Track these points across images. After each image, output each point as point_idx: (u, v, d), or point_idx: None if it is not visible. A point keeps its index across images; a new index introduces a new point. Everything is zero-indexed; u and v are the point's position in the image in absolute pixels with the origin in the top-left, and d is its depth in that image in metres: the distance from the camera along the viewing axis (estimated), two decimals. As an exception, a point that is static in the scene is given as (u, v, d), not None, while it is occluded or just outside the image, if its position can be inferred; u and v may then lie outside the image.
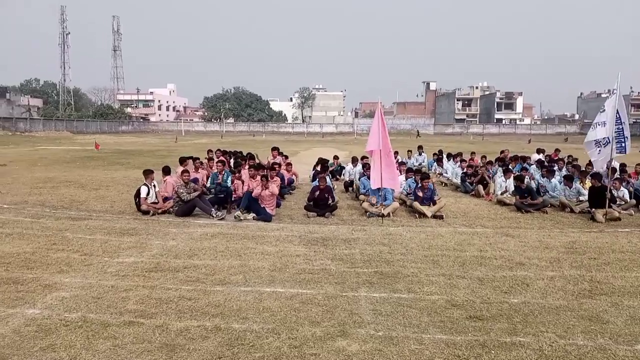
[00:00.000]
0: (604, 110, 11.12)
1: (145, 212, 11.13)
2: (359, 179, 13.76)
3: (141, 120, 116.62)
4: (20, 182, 16.68)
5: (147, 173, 11.65)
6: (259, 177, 11.49)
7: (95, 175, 19.13)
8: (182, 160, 14.22)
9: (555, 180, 13.29)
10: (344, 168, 17.78)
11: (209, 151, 18.53)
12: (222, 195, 11.93)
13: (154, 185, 11.58)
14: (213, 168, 14.56)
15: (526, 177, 13.30)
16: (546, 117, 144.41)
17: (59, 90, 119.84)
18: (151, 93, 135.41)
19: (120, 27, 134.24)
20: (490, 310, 5.72)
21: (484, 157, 18.21)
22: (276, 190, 11.06)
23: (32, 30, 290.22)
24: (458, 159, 18.21)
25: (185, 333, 5.06)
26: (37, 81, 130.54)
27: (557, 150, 19.90)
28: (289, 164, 16.07)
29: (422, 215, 11.05)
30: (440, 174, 17.97)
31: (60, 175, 19.00)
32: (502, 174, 13.83)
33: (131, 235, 9.25)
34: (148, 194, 11.31)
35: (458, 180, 15.95)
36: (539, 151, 20.09)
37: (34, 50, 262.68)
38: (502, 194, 13.22)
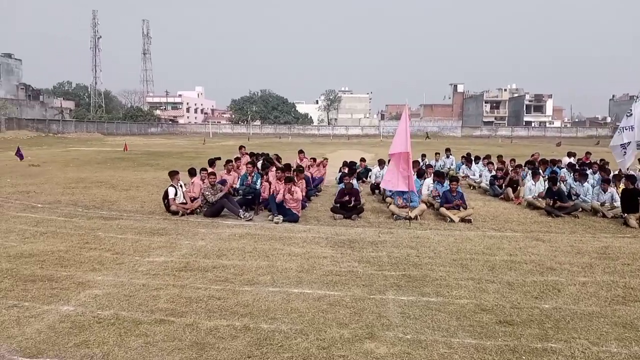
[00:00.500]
0: (631, 114, 10.88)
1: (175, 213, 11.29)
2: None
3: (170, 122, 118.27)
4: (53, 182, 17.09)
5: (173, 174, 11.83)
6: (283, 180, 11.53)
7: (126, 176, 19.49)
8: (212, 162, 14.36)
9: (588, 184, 13.03)
10: (370, 170, 17.73)
11: (241, 147, 18.69)
12: (250, 197, 12.03)
13: (181, 186, 11.74)
14: (241, 168, 14.71)
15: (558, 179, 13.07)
16: (577, 120, 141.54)
17: (91, 93, 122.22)
18: (180, 96, 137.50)
19: (150, 30, 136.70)
20: (520, 315, 5.64)
21: (512, 160, 17.93)
22: (300, 197, 11.05)
23: (65, 34, 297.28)
24: (485, 160, 17.99)
25: (215, 332, 5.11)
26: (70, 84, 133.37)
27: (588, 154, 19.49)
28: (321, 163, 16.19)
29: (450, 219, 10.95)
30: (467, 176, 17.71)
31: (92, 176, 19.41)
32: (531, 177, 13.63)
33: (161, 235, 9.40)
34: (176, 194, 11.48)
35: (485, 182, 15.73)
36: (569, 154, 19.71)
37: (66, 54, 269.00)
38: (533, 197, 13.01)
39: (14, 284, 6.51)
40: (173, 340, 4.92)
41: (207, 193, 11.16)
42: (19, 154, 25.76)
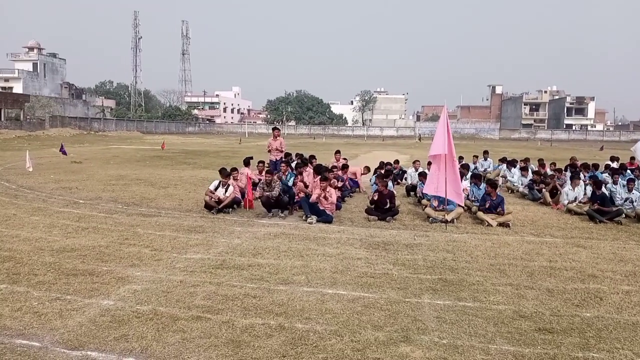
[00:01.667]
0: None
1: (208, 207, 11.44)
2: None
3: (207, 121, 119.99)
4: (94, 179, 17.55)
5: (224, 173, 11.88)
6: (318, 180, 11.51)
7: (164, 174, 19.85)
8: (247, 162, 14.48)
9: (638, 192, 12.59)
10: (405, 172, 17.56)
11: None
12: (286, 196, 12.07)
13: (228, 186, 11.75)
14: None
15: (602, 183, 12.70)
16: (620, 123, 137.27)
17: (131, 92, 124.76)
18: (217, 95, 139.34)
19: (189, 31, 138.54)
20: (560, 323, 5.49)
21: (553, 164, 17.52)
22: (334, 199, 11.02)
23: (107, 34, 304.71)
24: (522, 163, 17.56)
25: (250, 330, 5.14)
26: (111, 83, 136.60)
27: (632, 158, 18.86)
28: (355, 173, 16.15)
29: (487, 224, 10.74)
30: (506, 178, 17.27)
31: (132, 174, 19.85)
32: (570, 182, 13.29)
33: (198, 232, 9.53)
34: (217, 188, 11.63)
35: (521, 186, 15.36)
36: (612, 159, 19.13)
37: (109, 53, 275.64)
38: (570, 202, 12.69)
39: (57, 277, 6.71)
40: (209, 337, 4.97)
41: (264, 190, 11.32)
42: (62, 151, 26.57)
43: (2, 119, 65.27)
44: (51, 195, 13.64)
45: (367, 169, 17.38)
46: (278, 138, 16.64)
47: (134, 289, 6.33)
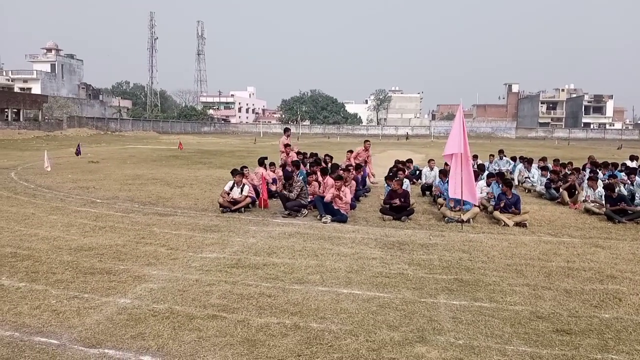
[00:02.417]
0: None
1: (223, 208, 11.48)
2: (437, 183, 13.44)
3: (222, 121, 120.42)
4: (111, 179, 17.72)
5: (236, 174, 11.91)
6: (330, 182, 11.46)
7: (180, 174, 19.98)
8: (261, 161, 14.52)
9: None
10: (419, 171, 17.41)
11: (287, 146, 18.70)
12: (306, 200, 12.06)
13: (242, 186, 11.76)
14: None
15: (616, 184, 12.47)
16: (639, 122, 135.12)
17: (147, 92, 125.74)
18: (232, 95, 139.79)
19: (204, 31, 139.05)
20: (578, 324, 5.42)
21: (570, 163, 17.28)
22: (349, 200, 10.96)
23: (124, 35, 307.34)
24: (541, 163, 17.34)
25: (266, 329, 5.15)
26: (127, 84, 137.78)
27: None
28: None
29: (504, 223, 10.63)
30: (528, 178, 16.90)
31: (148, 173, 20.01)
32: (587, 182, 13.11)
33: (214, 232, 9.58)
34: (232, 188, 11.67)
35: (540, 186, 15.19)
36: (632, 158, 18.83)
37: (125, 54, 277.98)
38: (587, 201, 12.52)
39: (74, 276, 6.78)
40: (225, 336, 4.98)
41: (285, 191, 11.34)
42: (77, 151, 26.87)
43: (21, 119, 66.24)
44: (69, 195, 13.81)
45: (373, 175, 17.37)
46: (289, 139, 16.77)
47: (150, 287, 6.38)
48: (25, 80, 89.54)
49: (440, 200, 12.35)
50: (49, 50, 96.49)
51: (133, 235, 9.15)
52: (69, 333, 5.02)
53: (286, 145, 16.63)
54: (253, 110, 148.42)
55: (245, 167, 13.01)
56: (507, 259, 8.02)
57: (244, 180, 11.93)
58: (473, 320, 5.47)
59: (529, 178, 16.71)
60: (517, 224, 10.56)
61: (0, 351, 4.62)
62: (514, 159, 20.50)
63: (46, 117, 70.88)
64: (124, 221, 10.43)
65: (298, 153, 17.58)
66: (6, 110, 63.81)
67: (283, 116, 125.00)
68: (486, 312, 5.71)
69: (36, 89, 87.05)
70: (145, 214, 11.30)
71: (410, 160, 18.78)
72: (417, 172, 17.79)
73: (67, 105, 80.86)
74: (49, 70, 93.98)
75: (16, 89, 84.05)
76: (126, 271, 7.03)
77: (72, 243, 8.53)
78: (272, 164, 14.82)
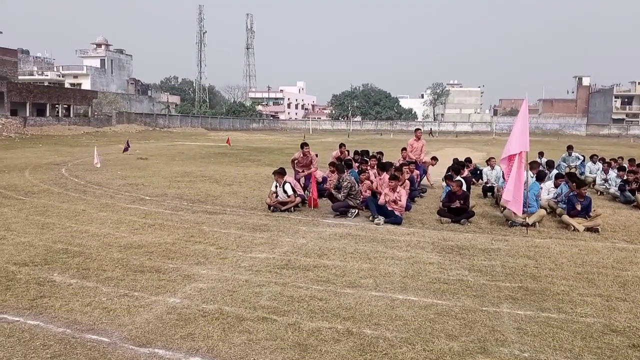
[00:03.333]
0: None
1: (269, 206, 11.40)
2: (501, 184, 12.75)
3: (271, 118, 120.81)
4: (160, 176, 17.94)
5: (277, 174, 11.77)
6: (386, 179, 11.11)
7: (229, 171, 20.08)
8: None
9: None
10: (479, 170, 16.61)
11: (342, 145, 18.24)
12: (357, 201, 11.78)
13: (284, 184, 11.60)
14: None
15: None
16: None
17: (195, 88, 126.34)
18: (281, 91, 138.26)
19: (253, 25, 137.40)
20: (658, 340, 4.95)
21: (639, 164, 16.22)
22: (404, 203, 10.54)
23: (172, 29, 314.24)
24: (614, 163, 16.21)
25: (317, 334, 4.98)
26: (176, 79, 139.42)
27: None
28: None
29: (573, 228, 10.01)
30: (606, 181, 15.54)
31: (196, 170, 20.20)
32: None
33: (263, 231, 9.45)
34: (277, 189, 11.56)
35: (614, 188, 14.27)
36: None
37: (174, 49, 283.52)
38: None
39: (124, 274, 6.78)
40: (275, 339, 4.85)
41: (335, 192, 11.16)
42: (126, 148, 27.48)
43: (71, 115, 67.56)
44: (118, 192, 14.03)
45: (435, 159, 16.83)
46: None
47: (199, 287, 6.29)
48: (75, 76, 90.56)
49: (503, 201, 11.72)
50: (99, 45, 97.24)
51: (182, 234, 9.13)
52: (119, 331, 4.99)
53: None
54: (302, 106, 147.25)
55: (306, 144, 12.85)
56: (577, 266, 7.52)
57: (288, 179, 11.75)
58: (539, 332, 5.14)
59: (607, 182, 15.25)
60: (589, 229, 9.90)
61: (54, 347, 4.64)
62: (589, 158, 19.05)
63: (95, 113, 72.04)
64: (173, 219, 10.46)
65: (355, 153, 17.16)
66: (57, 105, 65.15)
67: (333, 112, 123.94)
68: (554, 324, 5.35)
69: (86, 84, 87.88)
70: (194, 212, 11.31)
71: (469, 160, 17.92)
72: (478, 171, 16.99)
73: (116, 101, 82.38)
74: (99, 66, 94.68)
75: (66, 85, 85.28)
76: (175, 270, 6.97)
77: (121, 240, 8.57)
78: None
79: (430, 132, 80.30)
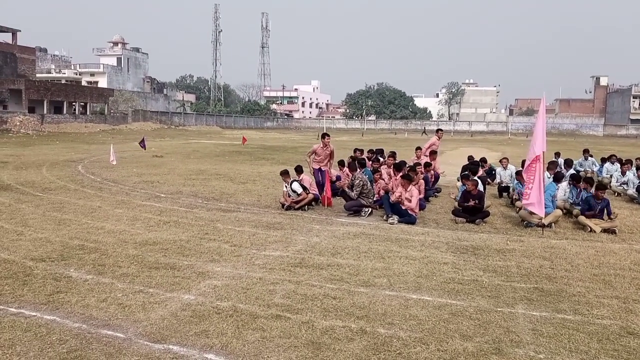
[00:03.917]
0: None
1: (283, 205, 11.42)
2: (515, 185, 12.60)
3: (285, 116, 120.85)
4: (175, 174, 18.04)
5: (283, 174, 11.82)
6: (399, 178, 11.05)
7: (243, 170, 20.14)
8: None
9: None
10: (494, 170, 16.44)
11: (357, 150, 18.17)
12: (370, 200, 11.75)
13: (292, 182, 11.59)
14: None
15: None
16: None
17: (211, 86, 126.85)
18: (295, 90, 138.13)
19: (269, 23, 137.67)
20: (677, 343, 4.87)
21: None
22: (415, 202, 10.42)
23: (188, 28, 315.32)
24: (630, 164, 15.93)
25: (331, 332, 4.98)
26: (191, 77, 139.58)
27: None
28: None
29: (590, 229, 9.85)
30: (625, 183, 15.37)
31: (211, 168, 20.28)
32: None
33: (277, 229, 9.47)
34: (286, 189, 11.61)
35: (632, 189, 14.01)
36: None
37: (189, 47, 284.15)
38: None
39: (139, 270, 6.83)
40: (289, 337, 4.85)
41: (348, 190, 11.12)
42: (142, 144, 27.61)
43: (88, 112, 68.25)
44: (134, 189, 14.14)
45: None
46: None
47: (214, 284, 6.32)
48: (92, 74, 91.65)
49: (518, 202, 11.59)
50: (115, 44, 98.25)
51: (197, 231, 9.18)
52: (134, 327, 5.03)
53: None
54: (317, 104, 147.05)
55: (327, 135, 12.94)
56: (594, 268, 7.42)
57: (303, 176, 11.77)
58: (555, 334, 5.08)
59: (625, 183, 14.79)
60: (605, 231, 9.75)
61: (70, 342, 4.68)
62: (603, 160, 18.70)
63: (112, 111, 72.71)
64: (187, 216, 10.51)
65: (369, 152, 17.06)
66: (74, 103, 65.90)
67: (347, 111, 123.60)
68: (570, 325, 5.29)
69: (102, 82, 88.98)
70: (209, 209, 11.36)
71: (484, 160, 17.75)
72: (492, 172, 16.80)
73: (132, 99, 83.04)
74: (115, 64, 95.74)
75: (83, 83, 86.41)
76: (190, 267, 7.01)
77: (137, 237, 8.64)
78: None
79: (424, 132, 79.37)
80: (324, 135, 13.38)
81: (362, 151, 16.35)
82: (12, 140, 37.17)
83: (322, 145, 13.09)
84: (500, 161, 15.87)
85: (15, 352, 4.50)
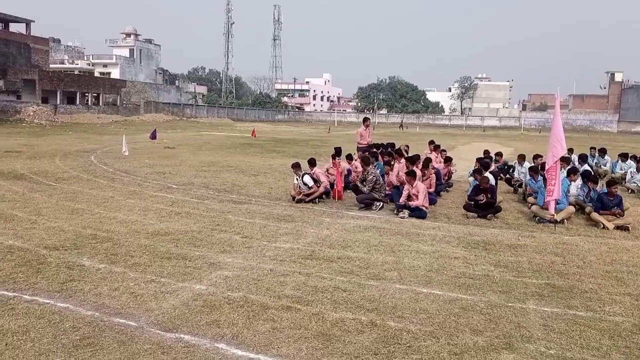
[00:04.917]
0: None
1: (293, 199, 11.42)
2: (528, 181, 12.49)
3: (296, 109, 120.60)
4: (187, 165, 18.12)
5: (294, 167, 11.79)
6: (419, 172, 11.00)
7: (254, 162, 20.17)
8: (339, 152, 14.13)
9: None
10: (510, 166, 16.26)
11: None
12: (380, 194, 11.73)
13: (304, 175, 11.58)
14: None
15: None
16: None
17: (222, 79, 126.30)
18: (307, 83, 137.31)
19: (281, 16, 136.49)
20: (691, 341, 4.83)
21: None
22: (421, 199, 10.27)
23: (200, 20, 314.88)
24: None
25: (341, 324, 4.99)
26: (203, 69, 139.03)
27: None
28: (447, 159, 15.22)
29: (603, 226, 9.75)
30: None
31: (222, 160, 20.34)
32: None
33: (287, 221, 9.49)
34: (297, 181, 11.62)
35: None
36: None
37: (201, 39, 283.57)
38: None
39: (151, 260, 6.88)
40: (299, 329, 4.87)
41: (360, 186, 11.12)
42: (152, 136, 27.70)
43: (101, 103, 68.41)
44: (146, 180, 14.22)
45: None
46: (368, 128, 16.24)
47: (225, 275, 6.35)
48: (105, 65, 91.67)
49: (531, 198, 11.48)
50: (128, 35, 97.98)
51: (208, 222, 9.22)
52: (146, 316, 5.07)
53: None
54: (328, 98, 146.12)
55: (368, 118, 13.24)
56: (607, 265, 7.37)
57: (316, 170, 11.80)
58: (566, 330, 5.06)
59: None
60: (619, 227, 9.66)
61: (82, 330, 4.73)
62: (625, 156, 18.17)
63: (124, 102, 72.92)
64: (199, 207, 10.56)
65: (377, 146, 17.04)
66: (87, 94, 66.27)
67: (359, 104, 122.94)
68: (581, 322, 5.26)
69: (115, 73, 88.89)
70: (220, 201, 11.41)
71: (499, 154, 17.38)
72: (506, 166, 16.61)
73: (145, 91, 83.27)
74: (128, 55, 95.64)
75: (96, 74, 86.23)
76: (201, 257, 7.05)
77: (149, 227, 8.70)
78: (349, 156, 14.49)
79: (401, 126, 78.32)
80: (365, 120, 16.38)
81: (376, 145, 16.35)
82: (26, 130, 37.49)
83: (364, 128, 15.82)
84: (519, 157, 15.47)
85: (29, 338, 4.55)
